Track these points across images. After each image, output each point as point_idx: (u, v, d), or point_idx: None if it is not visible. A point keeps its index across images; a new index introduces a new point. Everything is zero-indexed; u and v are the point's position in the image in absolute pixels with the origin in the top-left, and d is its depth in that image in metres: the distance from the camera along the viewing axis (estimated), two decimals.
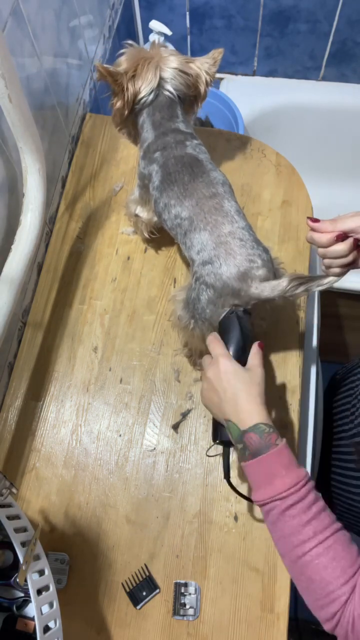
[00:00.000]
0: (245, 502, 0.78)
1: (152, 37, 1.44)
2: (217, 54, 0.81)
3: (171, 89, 0.78)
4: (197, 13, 1.44)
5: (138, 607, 0.74)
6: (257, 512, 0.77)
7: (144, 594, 0.74)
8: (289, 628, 0.72)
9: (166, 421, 0.84)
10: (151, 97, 0.78)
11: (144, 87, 0.77)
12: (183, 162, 0.75)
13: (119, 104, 0.78)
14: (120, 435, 0.84)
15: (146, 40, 1.49)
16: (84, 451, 0.83)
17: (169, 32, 1.42)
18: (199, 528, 0.77)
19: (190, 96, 0.82)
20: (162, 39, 1.44)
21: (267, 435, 0.58)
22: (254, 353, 0.66)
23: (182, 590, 0.74)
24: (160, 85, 0.77)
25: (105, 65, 0.75)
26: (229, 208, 0.71)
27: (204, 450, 0.82)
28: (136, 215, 0.88)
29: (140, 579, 0.75)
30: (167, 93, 0.78)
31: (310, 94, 1.58)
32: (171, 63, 0.78)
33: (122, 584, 0.75)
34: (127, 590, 0.75)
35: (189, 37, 1.52)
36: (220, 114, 1.46)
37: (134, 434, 0.84)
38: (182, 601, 0.73)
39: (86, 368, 0.89)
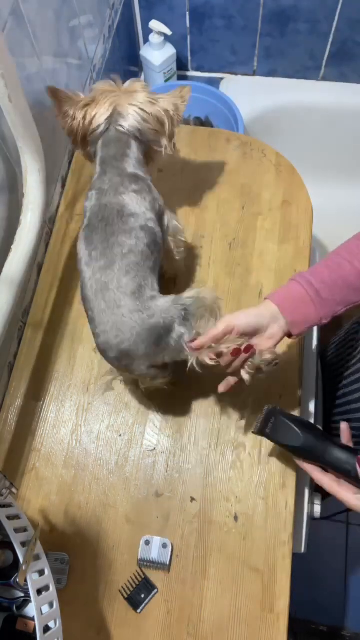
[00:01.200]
0: (244, 502, 0.78)
1: (152, 37, 1.44)
2: (185, 92, 0.79)
3: (125, 125, 0.75)
4: (197, 13, 1.44)
5: (138, 610, 0.74)
6: (257, 512, 0.77)
7: (142, 596, 0.74)
8: (289, 628, 0.72)
9: (166, 421, 0.84)
10: (101, 129, 0.76)
11: (96, 118, 0.75)
12: (103, 215, 0.72)
13: (66, 130, 0.78)
14: (120, 435, 0.84)
15: (146, 40, 1.49)
16: (84, 451, 0.83)
17: (169, 32, 1.42)
18: (199, 528, 0.77)
19: (153, 134, 0.78)
20: (162, 38, 1.44)
21: None
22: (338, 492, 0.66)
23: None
24: (113, 120, 0.76)
25: (57, 88, 0.76)
26: (113, 293, 0.68)
27: (204, 450, 0.82)
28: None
29: (137, 582, 0.75)
30: (119, 128, 0.76)
31: (310, 94, 1.58)
32: (133, 100, 0.76)
33: (120, 590, 0.75)
34: (125, 596, 0.75)
35: (189, 37, 1.52)
36: (220, 114, 1.46)
37: (134, 434, 0.84)
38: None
39: (86, 368, 0.89)
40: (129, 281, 0.69)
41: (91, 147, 0.80)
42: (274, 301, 0.69)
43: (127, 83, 0.79)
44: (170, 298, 0.70)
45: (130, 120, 0.76)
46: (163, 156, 0.82)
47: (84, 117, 0.76)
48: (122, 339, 0.68)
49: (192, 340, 0.68)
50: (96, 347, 0.73)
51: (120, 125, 0.76)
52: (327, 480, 0.67)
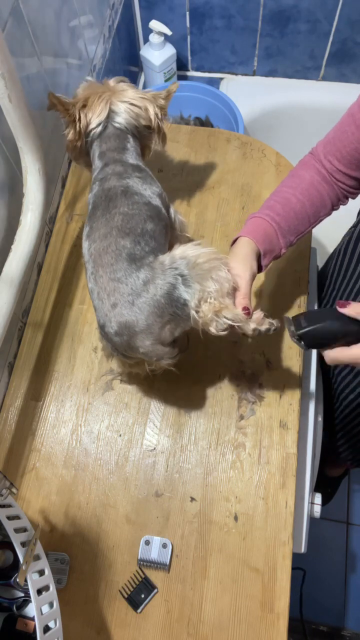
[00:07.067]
0: (244, 502, 0.78)
1: (152, 37, 1.45)
2: (173, 87, 0.80)
3: (121, 121, 0.77)
4: (197, 13, 1.44)
5: (138, 610, 0.74)
6: (257, 512, 0.77)
7: (142, 596, 0.74)
8: (295, 629, 0.72)
9: (166, 421, 0.84)
10: (100, 129, 0.77)
11: (93, 118, 0.76)
12: (107, 195, 0.71)
13: (71, 134, 0.78)
14: (120, 435, 0.84)
15: (146, 40, 1.50)
16: (84, 451, 0.83)
17: (169, 32, 1.43)
18: (199, 528, 0.77)
19: (147, 130, 0.80)
20: (162, 38, 1.44)
21: None
22: None
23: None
24: (109, 118, 0.77)
25: (57, 95, 0.74)
26: (109, 256, 0.66)
27: (204, 450, 0.82)
28: None
29: (137, 582, 0.75)
30: (116, 125, 0.77)
31: (310, 94, 1.58)
32: (123, 97, 0.77)
33: (120, 590, 0.75)
34: (125, 596, 0.75)
35: (189, 37, 1.52)
36: (220, 114, 1.46)
37: (134, 434, 0.84)
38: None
39: (86, 368, 0.89)
40: (126, 243, 0.66)
41: (89, 148, 0.80)
42: (250, 236, 0.72)
43: (112, 81, 0.80)
44: (165, 258, 0.66)
45: (124, 116, 0.77)
46: (153, 151, 0.84)
47: (80, 120, 0.77)
48: (121, 308, 0.64)
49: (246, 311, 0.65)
50: (99, 330, 0.69)
51: (117, 122, 0.77)
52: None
